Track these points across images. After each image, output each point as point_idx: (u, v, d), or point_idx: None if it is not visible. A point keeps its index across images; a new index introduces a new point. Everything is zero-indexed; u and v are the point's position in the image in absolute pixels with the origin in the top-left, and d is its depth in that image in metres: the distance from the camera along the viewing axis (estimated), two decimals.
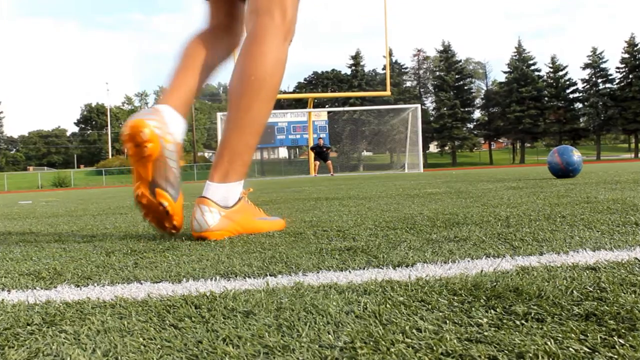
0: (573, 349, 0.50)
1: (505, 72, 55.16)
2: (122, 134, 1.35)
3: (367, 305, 0.68)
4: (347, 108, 33.43)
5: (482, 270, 0.85)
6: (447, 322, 0.60)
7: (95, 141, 71.78)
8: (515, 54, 54.99)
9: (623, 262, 0.86)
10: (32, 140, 73.04)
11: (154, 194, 1.36)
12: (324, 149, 17.40)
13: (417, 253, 1.04)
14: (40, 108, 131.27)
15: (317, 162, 17.74)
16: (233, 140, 1.47)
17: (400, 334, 0.56)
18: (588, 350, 0.50)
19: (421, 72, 60.18)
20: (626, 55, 50.27)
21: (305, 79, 57.62)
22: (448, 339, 0.54)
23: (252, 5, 1.52)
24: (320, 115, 27.60)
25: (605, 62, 52.28)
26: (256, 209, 1.59)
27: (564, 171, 4.45)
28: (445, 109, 53.14)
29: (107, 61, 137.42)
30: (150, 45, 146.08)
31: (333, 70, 57.44)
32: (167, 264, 1.07)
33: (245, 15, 1.60)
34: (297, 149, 48.77)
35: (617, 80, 51.08)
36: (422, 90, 59.34)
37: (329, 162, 17.51)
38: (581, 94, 53.17)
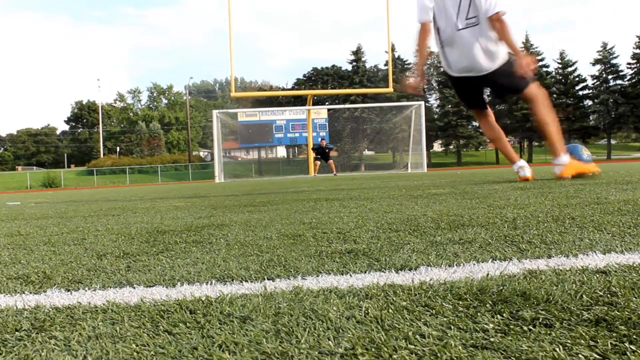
0: (583, 355, 0.49)
1: None
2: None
3: (369, 310, 0.66)
4: (347, 105, 33.39)
5: (488, 274, 0.83)
6: (452, 327, 0.59)
7: (86, 140, 70.88)
8: (523, 49, 54.73)
9: (634, 265, 0.84)
10: (20, 139, 71.90)
11: None
12: (326, 150, 17.41)
13: (420, 256, 1.02)
14: (29, 105, 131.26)
15: (318, 162, 17.77)
16: (556, 137, 3.81)
17: (403, 340, 0.55)
18: (598, 356, 0.49)
19: (425, 67, 59.79)
20: (638, 51, 49.45)
21: (304, 75, 56.37)
22: (453, 345, 0.53)
23: (525, 98, 3.96)
24: (320, 113, 27.62)
25: (616, 57, 51.19)
26: (578, 162, 3.87)
27: None
28: (449, 106, 52.90)
29: (99, 57, 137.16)
30: (143, 40, 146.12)
31: (333, 66, 56.52)
32: (161, 268, 1.05)
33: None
34: (296, 148, 48.75)
35: (629, 77, 49.97)
36: (425, 86, 59.17)
37: (331, 161, 17.54)
38: (591, 91, 52.24)
